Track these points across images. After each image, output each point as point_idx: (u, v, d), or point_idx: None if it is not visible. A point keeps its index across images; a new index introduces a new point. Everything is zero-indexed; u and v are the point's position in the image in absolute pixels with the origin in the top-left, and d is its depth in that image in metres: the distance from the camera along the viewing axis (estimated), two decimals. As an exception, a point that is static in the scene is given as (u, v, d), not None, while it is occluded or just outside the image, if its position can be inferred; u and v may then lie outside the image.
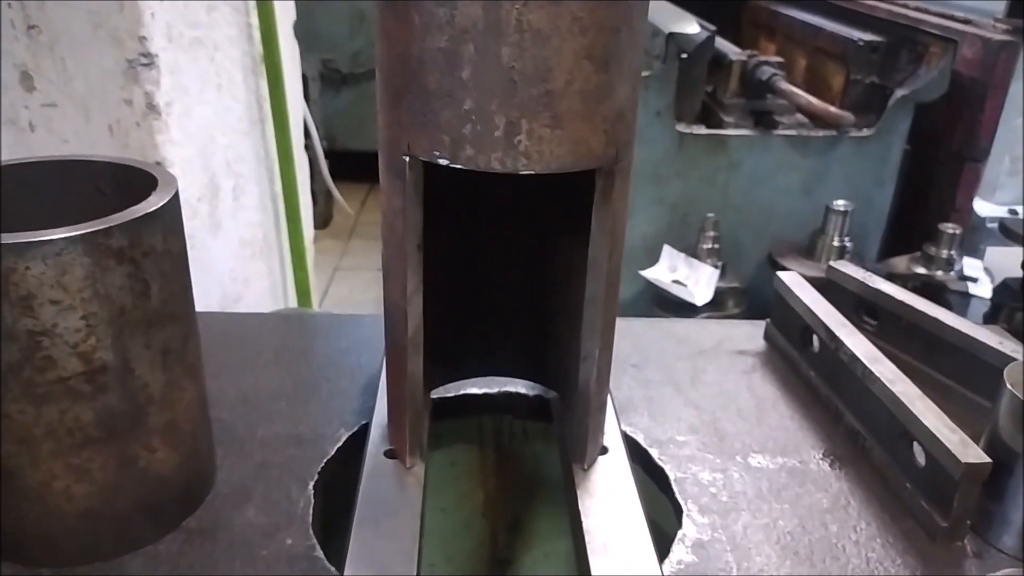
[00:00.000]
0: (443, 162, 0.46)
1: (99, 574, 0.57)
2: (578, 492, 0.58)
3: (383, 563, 0.51)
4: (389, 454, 0.62)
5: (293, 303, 1.91)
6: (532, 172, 0.45)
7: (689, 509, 0.64)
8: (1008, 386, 0.60)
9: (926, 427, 0.62)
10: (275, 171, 1.71)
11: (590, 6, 0.41)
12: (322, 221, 3.55)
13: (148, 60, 1.03)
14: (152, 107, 1.06)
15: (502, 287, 0.69)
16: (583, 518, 0.55)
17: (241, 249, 1.49)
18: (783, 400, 0.82)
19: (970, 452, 0.59)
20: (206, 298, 1.31)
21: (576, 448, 0.60)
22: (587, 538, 0.53)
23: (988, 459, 0.58)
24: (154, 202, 0.53)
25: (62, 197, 0.62)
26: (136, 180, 0.58)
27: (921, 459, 0.64)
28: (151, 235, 0.52)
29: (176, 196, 0.55)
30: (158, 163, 1.10)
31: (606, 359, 0.56)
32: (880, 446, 0.70)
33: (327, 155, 2.54)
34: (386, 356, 0.58)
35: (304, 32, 2.61)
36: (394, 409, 0.60)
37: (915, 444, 0.65)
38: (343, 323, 1.04)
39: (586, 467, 0.60)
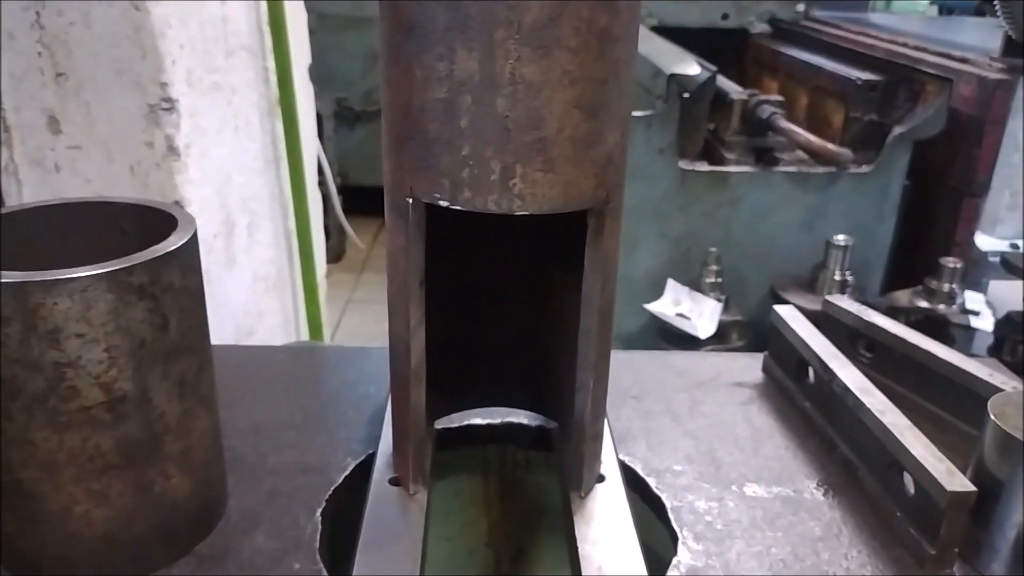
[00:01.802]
0: (443, 203, 0.49)
1: (115, 597, 0.59)
2: (575, 518, 0.60)
3: (386, 586, 0.52)
4: (393, 482, 0.64)
5: (305, 336, 1.94)
6: (526, 213, 0.48)
7: (684, 536, 0.66)
8: (992, 417, 0.62)
9: (914, 456, 0.64)
10: (289, 208, 1.75)
11: (579, 60, 0.44)
12: (335, 255, 3.60)
13: (169, 105, 1.07)
14: (172, 149, 1.10)
15: (504, 320, 0.71)
16: (579, 544, 0.57)
17: (255, 284, 1.53)
18: (779, 430, 0.83)
19: (956, 480, 0.60)
20: (220, 331, 1.34)
21: (573, 476, 0.62)
22: (582, 563, 0.55)
23: (973, 487, 0.59)
24: (174, 241, 0.56)
25: (86, 237, 0.65)
26: (156, 220, 0.62)
27: (910, 488, 0.65)
28: (170, 272, 0.55)
29: (194, 236, 0.58)
30: (177, 202, 1.14)
31: (601, 390, 0.59)
32: (872, 475, 0.71)
33: (340, 191, 2.59)
34: (391, 387, 0.61)
35: (318, 72, 2.68)
36: (398, 438, 0.62)
37: (904, 473, 0.66)
38: (351, 356, 1.07)
39: (583, 494, 0.62)
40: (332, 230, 3.14)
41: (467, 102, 0.45)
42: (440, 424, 0.82)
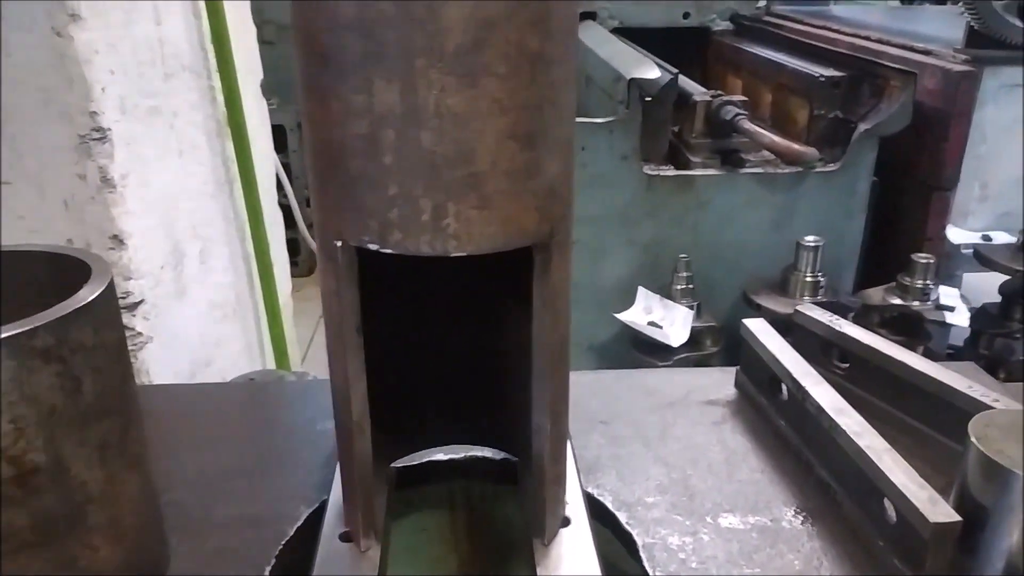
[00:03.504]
0: (372, 247, 0.45)
1: None
2: (538, 571, 0.56)
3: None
4: (344, 537, 0.60)
5: (271, 362, 1.89)
6: (463, 254, 0.44)
7: (657, 578, 0.62)
8: (974, 440, 0.59)
9: (894, 484, 0.61)
10: (246, 230, 1.70)
11: (508, 87, 0.40)
12: (307, 268, 3.54)
13: (100, 134, 1.02)
14: (107, 180, 1.05)
15: (456, 356, 0.67)
16: (543, 599, 0.53)
17: (211, 311, 1.47)
18: (753, 452, 0.80)
19: (939, 510, 0.57)
20: (174, 364, 1.29)
21: (535, 523, 0.58)
22: (547, 621, 0.51)
23: (957, 517, 0.56)
24: (83, 296, 0.51)
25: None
26: (71, 268, 0.57)
27: (892, 516, 0.62)
28: (80, 331, 0.50)
29: (109, 287, 0.54)
30: (115, 236, 1.08)
31: (558, 431, 0.55)
32: (851, 500, 0.68)
33: (309, 203, 2.53)
34: (336, 438, 0.57)
35: (279, 84, 2.62)
36: (346, 491, 0.58)
37: (885, 500, 0.63)
38: (309, 389, 1.03)
39: (546, 542, 0.58)
40: (302, 244, 3.09)
41: (390, 137, 0.41)
42: (400, 462, 0.79)
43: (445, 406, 0.69)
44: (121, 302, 1.11)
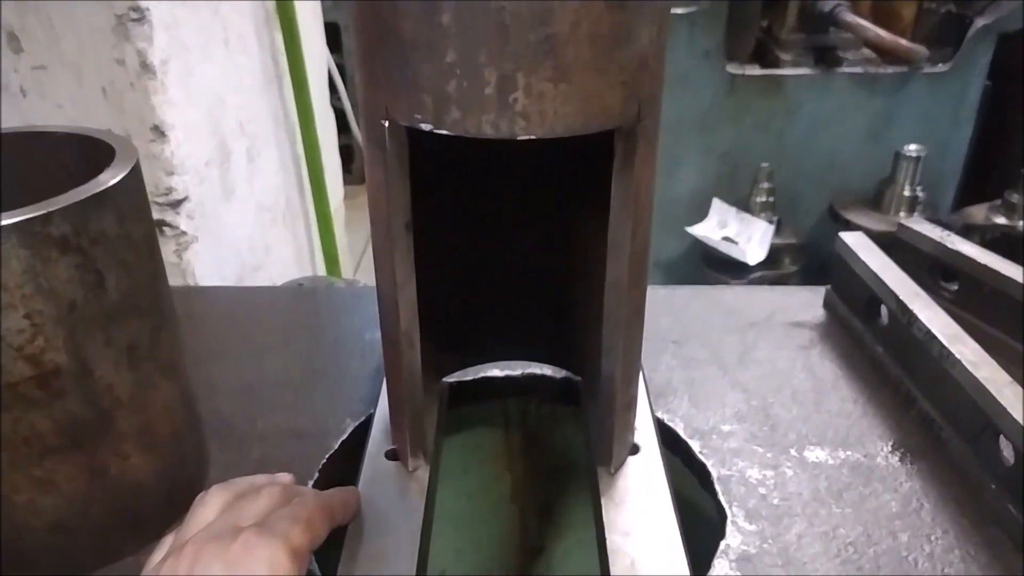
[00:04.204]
0: (425, 127, 0.39)
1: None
2: (603, 501, 0.52)
3: (376, 588, 0.46)
4: (391, 455, 0.57)
5: (322, 270, 1.87)
6: (533, 137, 0.38)
7: (734, 514, 0.58)
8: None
9: (1015, 420, 0.54)
10: (296, 131, 1.65)
11: (596, -75, 0.33)
12: (360, 176, 3.48)
13: (138, 15, 0.97)
14: (146, 66, 1.01)
15: (520, 264, 0.62)
16: (607, 533, 0.49)
17: (260, 215, 1.45)
18: (845, 381, 0.74)
19: (1070, 453, 0.51)
20: (221, 267, 1.27)
21: (601, 450, 0.54)
22: (611, 558, 0.47)
23: (1092, 462, 0.50)
24: (104, 180, 0.47)
25: (25, 175, 0.57)
26: (99, 153, 0.53)
27: (1009, 456, 0.56)
28: (101, 219, 0.46)
29: (135, 172, 0.50)
30: (156, 127, 1.05)
31: (632, 353, 0.50)
32: (959, 438, 0.62)
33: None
34: (383, 350, 0.53)
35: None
36: (393, 408, 0.54)
37: (1001, 438, 0.57)
38: (359, 296, 0.99)
39: (612, 471, 0.54)
40: (355, 151, 3.04)
41: (449, -11, 0.35)
42: (453, 377, 0.75)
43: (504, 318, 0.64)
44: (164, 198, 1.09)
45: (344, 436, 0.68)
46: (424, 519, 0.51)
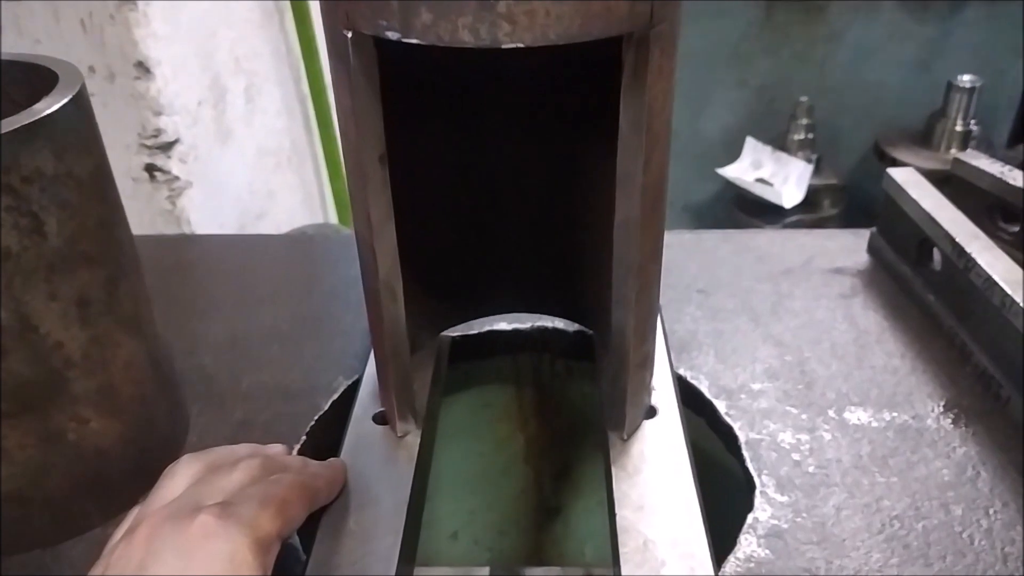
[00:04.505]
0: (392, 35, 0.33)
1: (38, 562, 0.50)
2: (614, 471, 0.47)
3: (353, 567, 0.41)
4: (379, 419, 0.52)
5: (333, 216, 1.83)
6: (520, 45, 0.32)
7: (764, 484, 0.53)
8: None
9: (1093, 380, 0.48)
10: (301, 69, 1.59)
11: None
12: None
13: (113, -65, 0.91)
14: (125, -6, 0.95)
15: (524, 204, 0.56)
16: (617, 508, 0.44)
17: (261, 159, 1.39)
18: (891, 333, 0.68)
19: None
20: (220, 214, 1.23)
21: (612, 414, 0.49)
22: (620, 537, 0.42)
23: None
24: (39, 110, 0.42)
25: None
26: (46, 83, 0.48)
27: (1083, 420, 0.50)
28: (35, 154, 0.41)
29: (79, 99, 0.45)
30: (141, 63, 0.99)
31: (647, 303, 0.44)
32: (1022, 397, 0.56)
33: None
34: (365, 302, 0.47)
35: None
36: (379, 366, 0.49)
37: (1074, 399, 0.51)
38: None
39: (625, 437, 0.49)
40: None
41: None
42: (457, 331, 0.70)
43: (506, 266, 0.59)
44: (152, 141, 1.03)
45: (335, 396, 0.64)
46: (412, 491, 0.46)
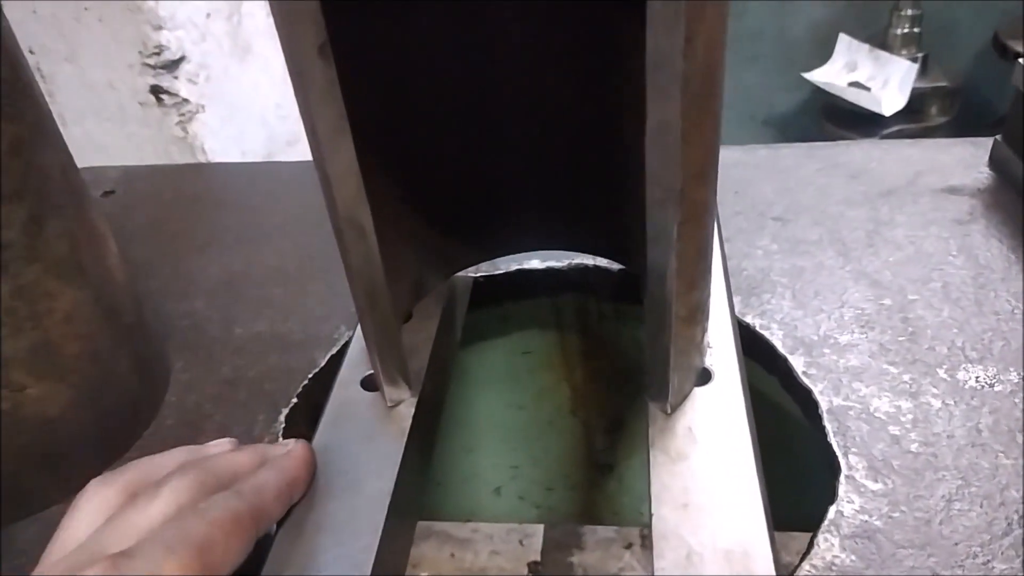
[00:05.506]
0: None
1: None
2: (652, 455, 0.38)
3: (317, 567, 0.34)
4: (367, 383, 0.44)
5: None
6: None
7: (851, 466, 0.43)
8: None
9: None
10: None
11: None
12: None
13: None
14: None
15: (546, 113, 0.46)
16: (654, 504, 0.36)
17: (288, 76, 1.31)
18: (1021, 269, 0.56)
19: None
20: (241, 141, 1.15)
21: (653, 381, 0.40)
22: (655, 541, 0.34)
23: None
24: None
25: None
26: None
27: None
28: None
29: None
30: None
31: (695, 238, 0.34)
32: None
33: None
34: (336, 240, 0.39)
35: None
36: (361, 322, 0.41)
37: None
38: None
39: (669, 410, 0.39)
40: None
41: None
42: (480, 271, 0.62)
43: (529, 193, 0.49)
44: (155, 59, 0.96)
45: (334, 350, 0.57)
46: (400, 476, 0.38)
